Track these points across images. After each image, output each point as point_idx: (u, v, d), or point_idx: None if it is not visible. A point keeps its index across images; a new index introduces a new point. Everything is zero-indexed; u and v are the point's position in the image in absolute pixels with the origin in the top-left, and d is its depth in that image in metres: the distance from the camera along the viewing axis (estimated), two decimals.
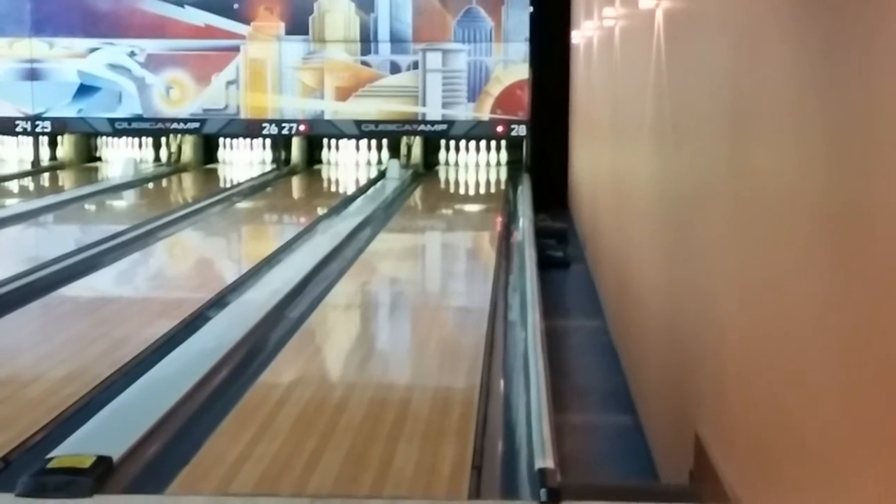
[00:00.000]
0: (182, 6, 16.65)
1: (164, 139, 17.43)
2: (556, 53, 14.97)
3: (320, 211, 13.04)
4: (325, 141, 17.16)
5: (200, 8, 16.64)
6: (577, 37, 13.74)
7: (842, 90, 2.51)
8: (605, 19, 9.23)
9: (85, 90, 16.86)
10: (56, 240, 11.54)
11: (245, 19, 16.67)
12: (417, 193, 15.06)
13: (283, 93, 16.76)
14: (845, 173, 2.48)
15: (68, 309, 7.73)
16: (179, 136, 17.20)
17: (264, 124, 16.77)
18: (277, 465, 4.64)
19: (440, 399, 5.65)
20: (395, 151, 16.87)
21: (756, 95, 3.42)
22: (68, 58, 16.83)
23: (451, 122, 16.64)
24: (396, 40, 16.64)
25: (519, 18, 16.49)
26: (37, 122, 16.91)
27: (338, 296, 8.28)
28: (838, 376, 2.51)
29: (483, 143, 16.86)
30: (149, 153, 17.58)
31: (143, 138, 17.47)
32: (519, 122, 16.46)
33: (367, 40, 16.67)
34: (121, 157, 16.97)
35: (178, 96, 16.82)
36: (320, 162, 17.23)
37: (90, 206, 13.60)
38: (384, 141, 16.99)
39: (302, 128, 16.81)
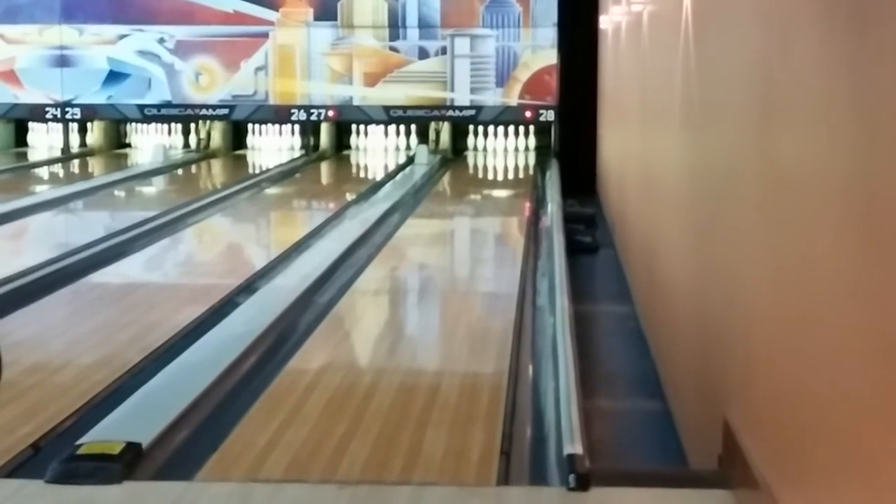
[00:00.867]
0: None
1: (193, 125, 17.46)
2: (585, 38, 14.92)
3: (349, 196, 13.05)
4: (353, 127, 17.18)
5: None
6: (605, 22, 13.70)
7: (872, 75, 2.50)
8: (634, 4, 9.20)
9: (114, 77, 16.92)
10: (85, 226, 11.59)
11: (274, 5, 16.68)
12: (446, 179, 15.06)
13: (312, 79, 16.78)
14: (875, 158, 2.46)
15: (98, 295, 7.76)
16: (208, 122, 17.23)
17: (293, 110, 16.80)
18: (306, 451, 4.64)
19: (469, 385, 5.65)
20: (423, 137, 16.87)
21: (785, 80, 3.40)
22: (98, 44, 16.89)
23: (479, 108, 16.63)
24: (425, 26, 16.64)
25: (547, 3, 16.46)
26: (66, 109, 16.98)
27: (366, 281, 8.29)
28: (868, 360, 2.50)
29: (511, 128, 16.85)
30: (178, 139, 17.63)
31: (173, 124, 17.52)
32: (547, 108, 16.44)
33: (396, 26, 16.67)
34: (150, 144, 17.03)
35: (207, 82, 16.86)
36: (349, 148, 17.25)
37: (119, 193, 13.65)
38: (412, 126, 17.00)
39: (331, 114, 16.83)
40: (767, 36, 3.72)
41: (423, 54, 16.69)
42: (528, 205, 12.51)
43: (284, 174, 15.21)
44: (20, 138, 17.65)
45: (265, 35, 16.72)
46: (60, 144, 17.43)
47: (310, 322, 6.92)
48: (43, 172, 15.86)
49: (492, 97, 16.61)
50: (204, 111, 16.95)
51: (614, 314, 8.14)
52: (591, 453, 4.40)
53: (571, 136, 15.67)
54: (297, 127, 17.20)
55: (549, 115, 16.42)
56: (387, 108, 16.69)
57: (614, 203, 11.34)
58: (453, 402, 5.32)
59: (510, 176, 15.69)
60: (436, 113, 16.77)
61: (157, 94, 16.85)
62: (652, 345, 6.88)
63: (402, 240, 10.23)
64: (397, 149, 17.01)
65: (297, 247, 9.38)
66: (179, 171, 15.82)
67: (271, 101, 16.84)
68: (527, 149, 16.77)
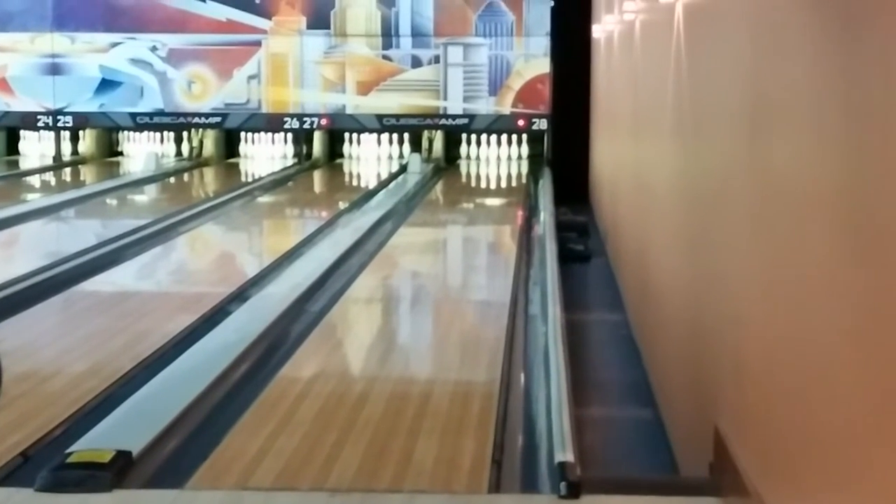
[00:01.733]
0: (204, 1, 16.70)
1: (185, 133, 17.45)
2: (577, 47, 14.94)
3: (341, 205, 13.05)
4: (346, 135, 17.17)
5: (222, 3, 16.67)
6: (597, 31, 13.72)
7: (863, 85, 2.50)
8: (626, 13, 9.21)
9: (106, 85, 16.90)
10: (77, 234, 11.57)
11: (266, 14, 16.69)
12: (439, 187, 15.06)
13: (305, 87, 16.78)
14: (866, 168, 2.47)
15: (89, 303, 7.75)
16: (201, 130, 17.22)
17: (286, 118, 16.80)
18: (297, 459, 4.64)
19: (460, 393, 5.65)
20: (416, 145, 16.87)
21: (776, 90, 3.40)
22: (90, 52, 16.88)
23: (472, 116, 16.64)
24: (418, 34, 16.65)
25: (540, 13, 16.47)
26: (58, 117, 16.97)
27: (358, 290, 8.29)
28: (858, 370, 2.50)
29: (504, 137, 16.86)
30: (170, 148, 17.61)
31: (165, 133, 17.50)
32: (540, 116, 16.45)
33: (389, 34, 16.68)
34: (142, 152, 17.02)
35: (200, 91, 16.86)
36: (342, 156, 17.24)
37: (111, 201, 13.64)
38: (405, 135, 17.00)
39: (323, 122, 16.83)
40: (759, 45, 3.72)
41: (416, 63, 16.70)
42: (520, 213, 12.51)
43: (277, 182, 15.21)
44: (12, 146, 17.63)
45: (258, 43, 16.72)
46: (52, 152, 17.41)
47: (301, 330, 6.91)
48: (35, 180, 15.85)
49: (485, 106, 16.62)
50: (196, 119, 16.94)
51: (606, 322, 8.14)
52: (583, 461, 4.40)
53: (564, 145, 15.68)
54: (289, 135, 17.20)
55: (542, 124, 16.43)
56: (380, 117, 16.70)
57: (607, 211, 11.34)
58: (445, 410, 5.32)
59: (503, 184, 15.70)
60: (429, 121, 16.78)
61: (150, 103, 16.85)
62: (644, 353, 6.88)
63: (395, 248, 10.23)
64: (390, 157, 17.01)
65: (290, 255, 9.37)
66: (172, 180, 15.81)
67: (264, 110, 16.84)
68: (519, 157, 16.78)
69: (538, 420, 5.26)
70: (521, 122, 16.55)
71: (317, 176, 16.40)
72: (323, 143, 17.14)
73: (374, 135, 17.00)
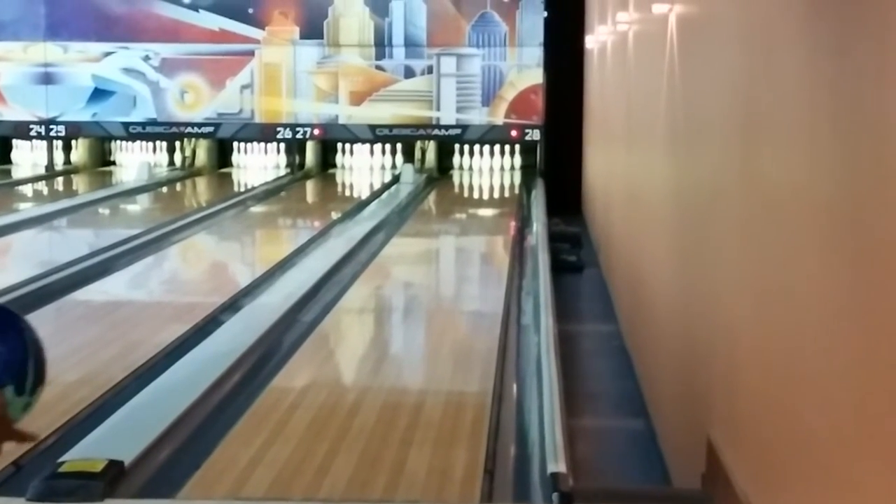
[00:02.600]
0: (197, 10, 16.68)
1: (178, 143, 17.43)
2: (571, 58, 14.96)
3: (334, 215, 13.04)
4: (339, 145, 17.16)
5: (215, 12, 16.66)
6: (591, 41, 13.74)
7: (854, 95, 2.51)
8: (619, 24, 9.23)
9: (99, 94, 16.89)
10: (70, 244, 11.56)
11: (260, 24, 16.68)
12: (431, 198, 15.06)
13: (298, 97, 16.78)
14: (857, 178, 2.47)
15: (81, 312, 7.74)
16: (194, 140, 17.20)
17: (279, 128, 16.79)
18: (289, 469, 4.63)
19: (453, 403, 5.65)
20: (409, 156, 16.86)
21: (768, 100, 3.41)
22: (83, 62, 16.86)
23: (465, 127, 16.64)
24: (411, 45, 16.65)
25: (533, 23, 16.48)
26: (51, 126, 16.94)
27: (351, 300, 8.28)
28: (850, 380, 2.50)
29: (497, 147, 16.86)
30: (163, 157, 17.59)
31: (158, 142, 17.48)
32: (533, 127, 16.45)
33: (382, 44, 16.68)
34: (135, 162, 17.00)
35: (193, 100, 16.84)
36: (334, 166, 17.23)
37: (104, 210, 13.62)
38: (398, 145, 16.99)
39: (316, 132, 16.82)
40: (751, 57, 3.73)
41: (409, 73, 16.71)
42: (513, 224, 12.52)
43: (270, 192, 15.20)
44: (4, 155, 17.60)
45: (251, 53, 16.72)
46: (45, 162, 17.38)
47: (294, 340, 6.91)
48: (27, 190, 15.83)
49: (478, 116, 16.62)
50: (189, 129, 16.92)
51: (599, 333, 8.15)
52: (575, 472, 4.40)
53: (557, 156, 15.70)
54: (282, 145, 17.18)
55: (535, 135, 16.43)
56: (372, 127, 16.69)
57: (599, 222, 11.35)
58: (437, 421, 5.31)
59: (496, 195, 15.71)
60: (421, 132, 16.77)
61: (142, 112, 16.83)
62: (636, 364, 6.88)
63: (388, 258, 10.22)
64: (383, 167, 17.00)
65: (282, 265, 9.36)
66: (164, 189, 15.80)
67: (257, 120, 16.82)
68: (512, 168, 16.78)
69: (530, 430, 5.26)
70: (514, 133, 16.56)
71: (309, 186, 16.40)
72: (316, 153, 17.13)
73: (367, 145, 17.00)
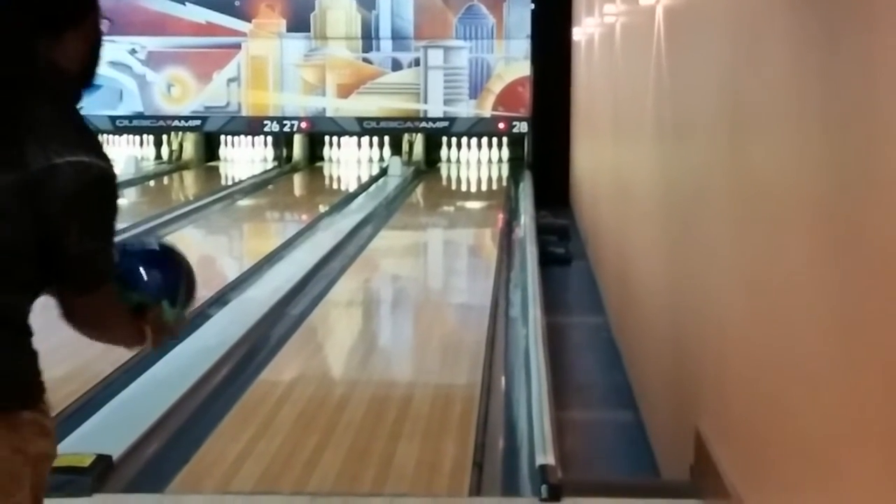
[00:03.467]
0: (183, 3, 16.65)
1: (165, 137, 17.40)
2: (558, 50, 14.94)
3: (322, 208, 13.03)
4: (326, 138, 17.15)
5: (202, 5, 16.62)
6: (578, 34, 13.73)
7: (841, 88, 2.51)
8: (606, 16, 9.22)
9: None
10: None
11: (246, 16, 16.65)
12: (419, 190, 15.06)
13: (285, 90, 16.76)
14: (845, 171, 2.47)
15: None
16: (181, 133, 17.17)
17: (266, 122, 16.76)
18: (278, 463, 4.63)
19: (441, 396, 5.65)
20: (396, 148, 16.85)
21: (756, 92, 3.41)
22: None
23: (452, 119, 16.63)
24: (398, 37, 16.63)
25: (520, 15, 16.47)
26: None
27: (339, 293, 8.28)
28: (838, 372, 2.51)
29: (485, 139, 16.85)
30: (150, 151, 17.56)
31: (145, 136, 17.45)
32: (520, 119, 16.45)
33: (369, 37, 16.66)
34: (122, 155, 16.94)
35: (180, 94, 16.81)
36: (322, 159, 17.22)
37: None
38: (386, 138, 16.98)
39: (303, 125, 16.80)
40: (737, 48, 3.73)
41: (396, 66, 16.69)
42: (501, 216, 12.52)
43: (257, 186, 15.19)
44: None
45: (237, 46, 16.69)
46: None
47: (282, 334, 6.90)
48: None
49: (465, 109, 16.61)
50: (176, 122, 16.89)
51: (587, 325, 8.15)
52: (564, 464, 4.41)
53: (545, 148, 15.68)
54: (269, 138, 17.17)
55: (523, 127, 16.42)
56: (360, 120, 16.68)
57: (587, 214, 11.36)
58: (426, 414, 5.32)
59: (483, 187, 15.70)
60: (409, 124, 16.77)
61: (129, 106, 16.79)
62: (625, 356, 6.89)
63: (375, 251, 10.22)
64: (370, 160, 16.99)
65: (270, 258, 9.35)
66: (151, 183, 15.76)
67: (244, 113, 16.80)
68: (500, 160, 16.78)
69: (519, 423, 5.27)
70: (501, 126, 16.55)
71: (297, 179, 16.39)
72: (303, 146, 17.12)
73: (355, 138, 16.98)
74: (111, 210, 2.26)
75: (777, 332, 3.05)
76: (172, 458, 4.65)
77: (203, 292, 7.80)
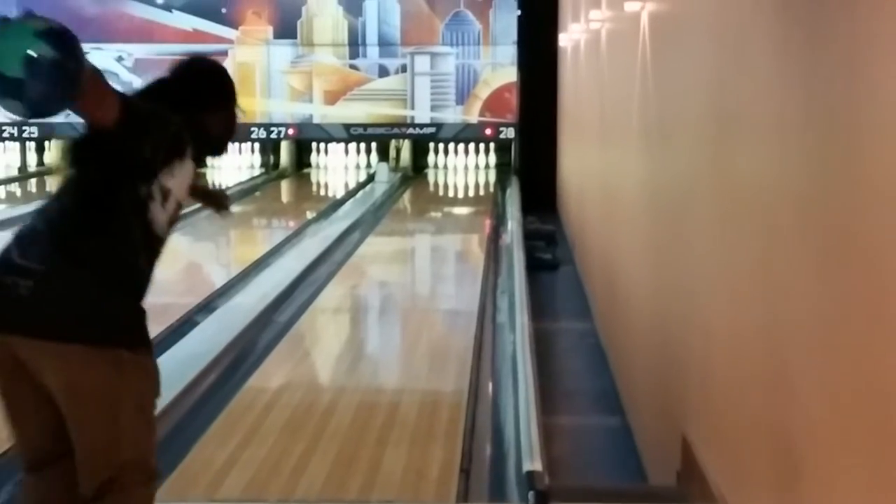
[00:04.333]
0: (170, 11, 16.64)
1: None
2: (544, 56, 14.95)
3: (309, 215, 13.03)
4: (313, 145, 17.15)
5: (188, 12, 16.62)
6: (564, 40, 13.75)
7: (824, 93, 2.51)
8: (592, 22, 9.23)
9: None
10: None
11: (233, 23, 16.65)
12: (406, 196, 15.06)
13: (272, 97, 16.76)
14: (829, 174, 2.48)
15: None
16: None
17: (253, 128, 16.75)
18: (265, 470, 4.63)
19: (428, 402, 5.65)
20: (383, 155, 16.86)
21: (741, 96, 3.42)
22: None
23: (439, 125, 16.64)
24: (384, 44, 16.65)
25: (507, 22, 16.49)
26: (24, 128, 16.88)
27: (326, 299, 8.27)
28: (823, 378, 2.51)
29: (472, 145, 16.86)
30: None
31: None
32: (507, 125, 16.46)
33: (356, 44, 16.67)
34: None
35: None
36: (309, 166, 17.21)
37: None
38: (373, 144, 16.98)
39: (290, 132, 16.80)
40: (722, 54, 3.74)
41: (383, 72, 16.71)
42: (488, 222, 12.52)
43: (244, 192, 15.17)
44: None
45: (224, 53, 16.67)
46: (18, 163, 17.31)
47: (269, 340, 6.90)
48: (0, 192, 15.75)
49: (452, 115, 16.63)
50: None
51: (574, 331, 8.15)
52: (551, 470, 4.40)
53: (531, 154, 15.69)
54: (256, 145, 17.16)
55: (510, 133, 16.44)
56: (347, 126, 16.68)
57: (574, 220, 11.37)
58: (413, 420, 5.31)
59: (470, 193, 15.71)
60: (396, 131, 16.78)
61: None
62: (611, 362, 6.89)
63: (363, 258, 10.22)
64: (357, 167, 16.99)
65: (257, 265, 9.35)
66: None
67: None
68: (487, 166, 16.79)
69: (506, 429, 5.27)
70: (488, 131, 16.57)
71: (284, 186, 16.38)
72: (290, 152, 17.12)
73: (342, 144, 16.99)
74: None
75: (763, 337, 3.06)
76: (159, 466, 4.63)
77: (190, 299, 7.86)
